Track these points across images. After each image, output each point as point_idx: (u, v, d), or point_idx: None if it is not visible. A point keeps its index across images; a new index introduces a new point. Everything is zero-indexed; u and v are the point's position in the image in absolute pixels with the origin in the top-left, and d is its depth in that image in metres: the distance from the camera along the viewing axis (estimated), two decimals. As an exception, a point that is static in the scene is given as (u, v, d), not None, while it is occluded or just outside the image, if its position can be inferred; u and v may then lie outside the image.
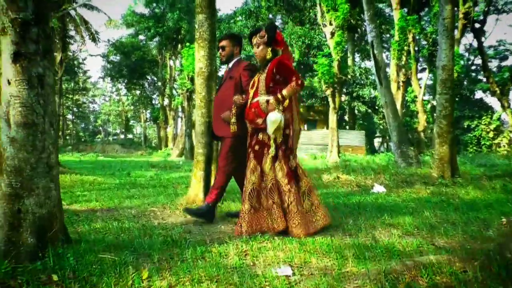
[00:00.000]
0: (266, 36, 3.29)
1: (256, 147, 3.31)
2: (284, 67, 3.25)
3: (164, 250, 2.63)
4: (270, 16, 30.76)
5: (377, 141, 49.78)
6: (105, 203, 4.93)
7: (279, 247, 2.78)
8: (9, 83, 2.08)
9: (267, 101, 3.22)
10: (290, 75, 3.24)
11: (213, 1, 4.32)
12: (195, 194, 4.41)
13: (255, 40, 3.37)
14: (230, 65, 3.88)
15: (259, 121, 3.25)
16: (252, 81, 3.45)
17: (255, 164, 3.27)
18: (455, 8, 15.81)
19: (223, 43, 3.87)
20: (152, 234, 3.15)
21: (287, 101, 3.20)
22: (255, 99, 3.31)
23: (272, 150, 3.21)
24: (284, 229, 3.14)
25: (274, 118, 3.11)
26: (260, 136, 3.31)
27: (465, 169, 9.63)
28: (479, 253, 2.55)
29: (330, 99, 19.13)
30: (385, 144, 45.61)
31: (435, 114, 23.64)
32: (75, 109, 57.98)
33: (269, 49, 3.30)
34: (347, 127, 32.48)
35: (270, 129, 3.15)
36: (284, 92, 3.18)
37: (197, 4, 4.28)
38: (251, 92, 3.38)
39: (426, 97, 30.85)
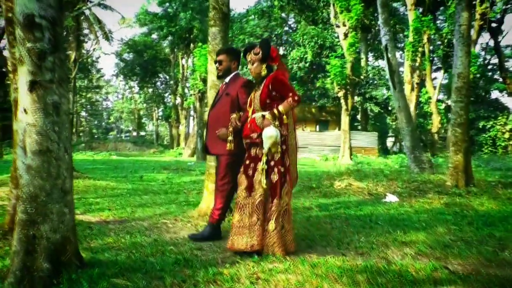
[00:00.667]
0: (260, 52, 3.26)
1: (247, 162, 3.28)
2: (280, 83, 3.21)
3: (176, 272, 2.64)
4: (283, 15, 30.66)
5: (389, 141, 49.43)
6: (118, 213, 4.98)
7: (291, 269, 2.77)
8: (25, 112, 2.11)
9: (263, 116, 3.20)
10: (286, 91, 3.20)
11: (227, 15, 4.31)
12: (207, 206, 4.43)
13: (249, 57, 3.33)
14: (227, 80, 3.77)
15: (254, 135, 3.23)
16: (249, 99, 3.40)
17: (245, 179, 3.24)
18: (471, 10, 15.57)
19: (220, 57, 3.76)
20: (164, 251, 3.17)
21: (285, 117, 3.17)
22: (253, 116, 3.29)
23: (262, 165, 3.13)
24: (260, 250, 3.09)
25: (270, 134, 3.07)
26: (253, 151, 3.27)
27: (480, 175, 9.51)
28: (494, 282, 2.52)
29: (342, 101, 19.01)
30: (397, 144, 45.23)
31: (449, 115, 23.37)
32: (88, 106, 58.71)
33: (264, 65, 3.27)
34: (359, 127, 32.23)
35: (266, 144, 3.11)
36: (281, 107, 3.15)
37: (211, 17, 4.28)
38: (250, 110, 3.35)
39: (441, 97, 30.43)
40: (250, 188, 3.19)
